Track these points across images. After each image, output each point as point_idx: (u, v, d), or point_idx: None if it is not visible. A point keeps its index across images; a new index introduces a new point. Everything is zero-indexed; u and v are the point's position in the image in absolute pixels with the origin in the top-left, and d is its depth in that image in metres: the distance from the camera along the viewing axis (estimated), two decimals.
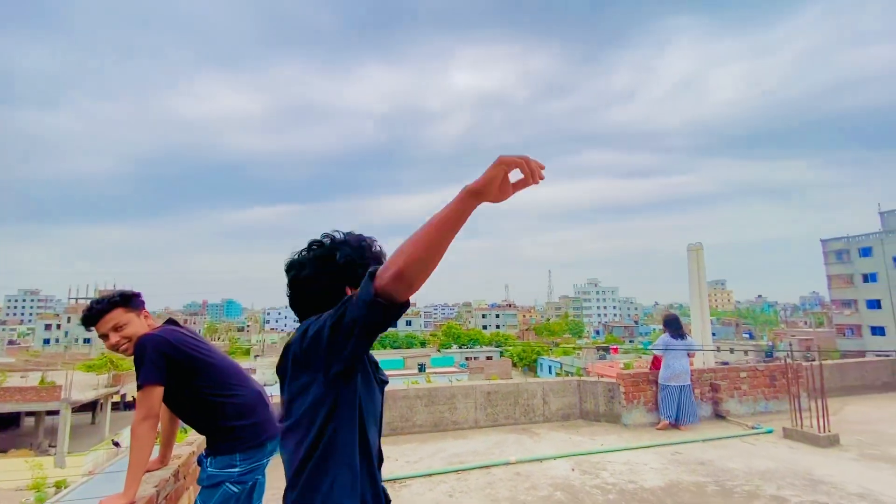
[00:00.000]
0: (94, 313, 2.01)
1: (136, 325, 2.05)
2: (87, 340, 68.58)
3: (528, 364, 58.09)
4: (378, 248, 1.42)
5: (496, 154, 1.03)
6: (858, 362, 8.59)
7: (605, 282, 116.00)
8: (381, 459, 1.33)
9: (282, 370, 1.26)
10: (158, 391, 1.90)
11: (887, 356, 8.88)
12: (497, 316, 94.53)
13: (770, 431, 5.58)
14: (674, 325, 6.11)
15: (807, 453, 4.80)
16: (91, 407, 31.40)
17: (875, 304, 46.03)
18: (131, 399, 39.08)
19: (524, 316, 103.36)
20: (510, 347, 64.53)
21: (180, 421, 2.24)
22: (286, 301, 1.42)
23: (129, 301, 2.08)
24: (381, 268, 1.02)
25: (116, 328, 2.01)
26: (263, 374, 45.25)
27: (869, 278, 46.72)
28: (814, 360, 6.96)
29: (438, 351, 61.05)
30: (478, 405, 5.98)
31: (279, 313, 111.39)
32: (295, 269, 1.38)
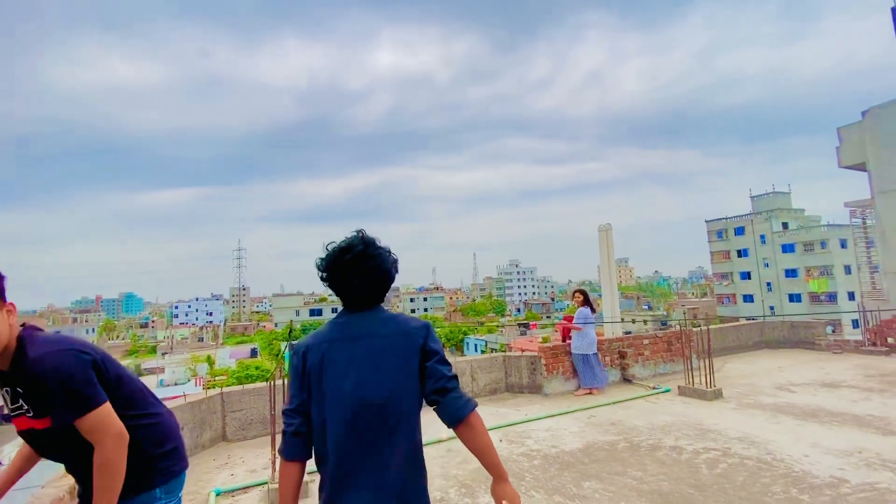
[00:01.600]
0: None
1: None
2: None
3: (456, 344, 59.67)
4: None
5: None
6: (735, 326, 9.95)
7: (525, 262, 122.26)
8: None
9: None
10: (108, 407, 1.51)
11: (755, 320, 10.34)
12: (425, 299, 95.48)
13: (668, 390, 6.29)
14: (588, 300, 6.61)
15: (697, 407, 5.49)
16: None
17: (746, 276, 53.42)
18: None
19: (451, 298, 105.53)
20: (438, 329, 65.55)
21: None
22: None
23: None
24: (472, 404, 1.45)
25: None
26: (174, 371, 41.63)
27: (742, 253, 54.01)
28: (700, 326, 7.92)
29: None
30: None
31: (189, 306, 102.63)
32: (375, 261, 1.50)
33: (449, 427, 1.42)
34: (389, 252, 1.56)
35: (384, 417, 1.39)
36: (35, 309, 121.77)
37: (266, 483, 3.66)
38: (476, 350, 53.23)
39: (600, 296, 8.27)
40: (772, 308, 49.20)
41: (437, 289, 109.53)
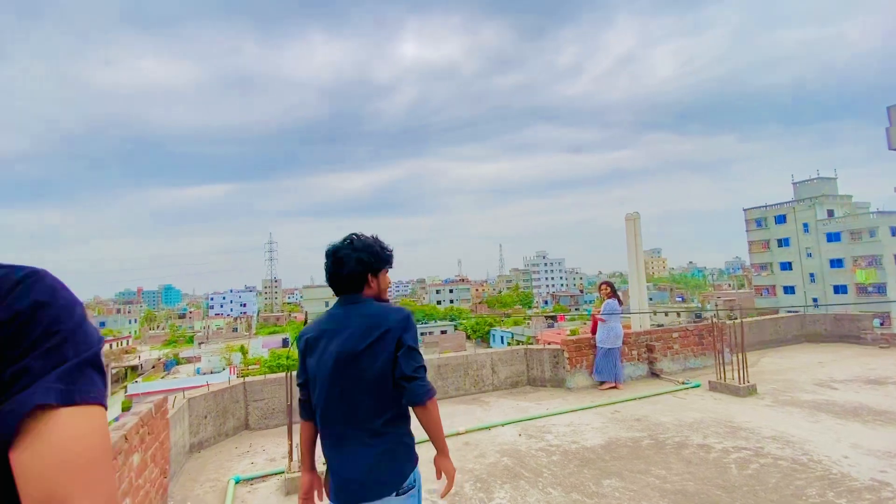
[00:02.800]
0: None
1: None
2: None
3: (482, 336, 59.61)
4: (390, 250, 1.87)
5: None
6: (773, 318, 9.46)
7: (553, 253, 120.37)
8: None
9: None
10: None
11: (796, 312, 9.82)
12: (451, 291, 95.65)
13: (698, 385, 6.03)
14: (615, 292, 6.40)
15: (729, 403, 5.23)
16: None
17: (787, 266, 50.97)
18: None
19: (477, 290, 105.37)
20: (464, 321, 65.78)
21: None
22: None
23: None
24: (431, 393, 1.67)
25: None
26: (209, 360, 43.38)
27: (783, 243, 51.50)
28: (736, 319, 7.57)
29: None
30: (429, 378, 6.00)
31: (224, 298, 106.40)
32: (341, 263, 1.77)
33: (408, 406, 1.68)
34: (355, 251, 1.77)
35: (361, 370, 1.61)
36: (82, 301, 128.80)
37: (283, 472, 3.70)
38: (502, 342, 53.01)
39: (627, 287, 8.00)
40: (815, 300, 46.81)
41: (463, 280, 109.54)
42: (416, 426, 1.69)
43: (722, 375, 5.81)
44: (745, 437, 4.12)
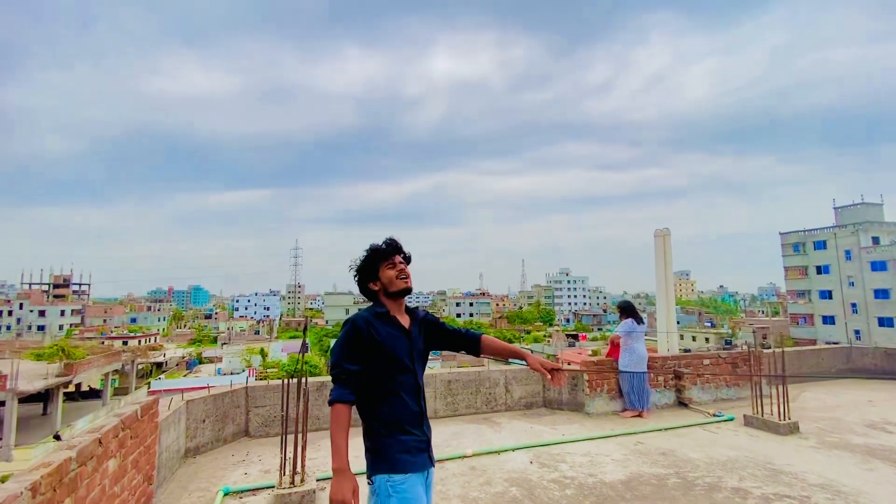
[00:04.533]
0: None
1: None
2: (40, 328, 65.13)
3: None
4: (382, 246, 2.07)
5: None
6: (815, 350, 8.77)
7: (576, 271, 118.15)
8: None
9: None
10: None
11: (836, 344, 9.08)
12: (471, 304, 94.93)
13: (731, 419, 5.52)
14: (632, 311, 5.96)
15: (767, 441, 4.73)
16: (42, 397, 29.72)
17: (826, 295, 48.37)
18: (88, 388, 37.34)
19: (497, 304, 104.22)
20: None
21: None
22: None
23: None
24: (330, 399, 1.81)
25: None
26: (230, 361, 44.00)
27: (822, 270, 48.97)
28: (769, 348, 7.00)
29: None
30: (437, 394, 5.70)
31: (248, 300, 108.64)
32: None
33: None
34: (352, 270, 2.12)
35: None
36: (116, 297, 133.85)
37: (273, 486, 3.46)
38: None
39: (654, 309, 7.52)
40: (857, 332, 44.15)
41: (484, 294, 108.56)
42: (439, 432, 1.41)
43: (759, 409, 5.29)
44: (787, 483, 3.65)
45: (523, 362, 2.07)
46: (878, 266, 44.18)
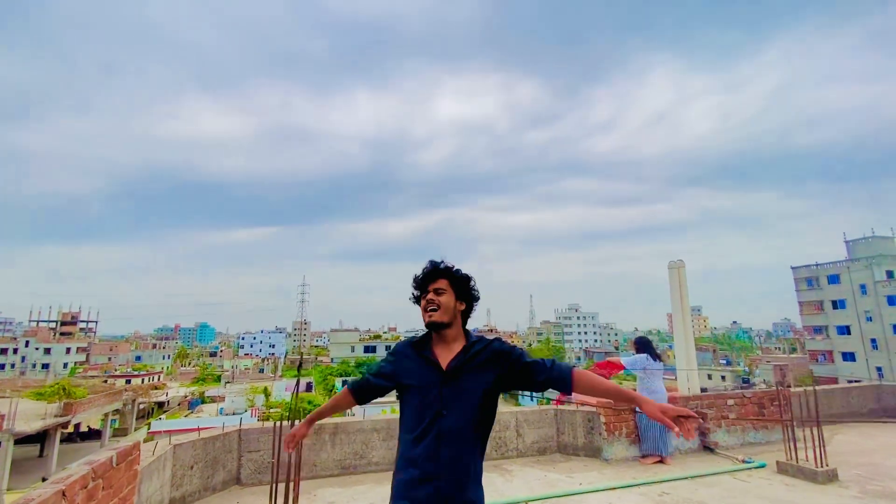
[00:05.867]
0: None
1: None
2: (45, 366, 64.62)
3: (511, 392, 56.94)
4: (419, 275, 1.94)
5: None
6: (844, 388, 8.28)
7: (586, 307, 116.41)
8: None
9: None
10: None
11: (857, 382, 8.59)
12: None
13: (763, 466, 5.08)
14: (649, 348, 5.64)
15: (805, 491, 4.31)
16: (39, 438, 29.00)
17: (844, 330, 46.95)
18: (87, 429, 36.46)
19: (506, 341, 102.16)
20: None
21: None
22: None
23: None
24: (577, 374, 1.76)
25: None
26: (233, 401, 43.00)
27: (838, 305, 47.78)
28: (789, 387, 6.60)
29: None
30: None
31: (254, 338, 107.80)
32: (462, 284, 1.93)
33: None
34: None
35: None
36: (123, 335, 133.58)
37: None
38: (532, 400, 50.34)
39: (671, 346, 7.17)
40: (879, 370, 42.46)
41: (492, 331, 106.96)
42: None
43: (793, 455, 4.86)
44: None
45: (635, 407, 1.76)
46: (895, 301, 43.01)
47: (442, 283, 1.86)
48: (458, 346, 1.82)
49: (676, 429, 1.55)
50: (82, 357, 71.18)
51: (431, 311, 1.81)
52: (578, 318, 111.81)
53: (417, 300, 1.89)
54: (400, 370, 1.85)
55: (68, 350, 69.64)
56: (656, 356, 5.59)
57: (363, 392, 1.95)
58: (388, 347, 78.90)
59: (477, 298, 1.94)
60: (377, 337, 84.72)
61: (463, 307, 1.89)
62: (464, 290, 1.89)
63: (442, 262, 1.92)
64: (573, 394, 1.83)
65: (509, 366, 1.79)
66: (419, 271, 1.91)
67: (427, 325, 1.83)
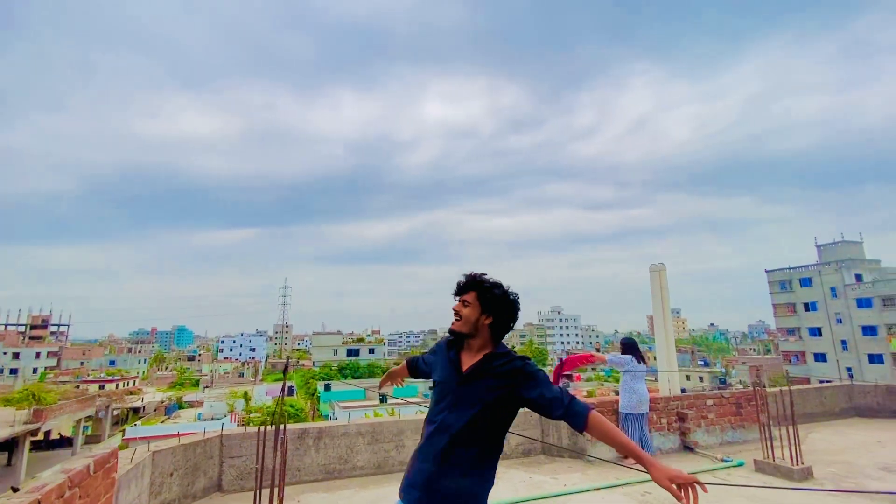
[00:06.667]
0: None
1: None
2: (13, 371, 62.25)
3: None
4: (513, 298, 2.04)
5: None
6: (818, 388, 8.53)
7: (568, 310, 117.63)
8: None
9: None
10: None
11: (829, 382, 8.89)
12: None
13: (741, 464, 5.21)
14: (634, 350, 5.72)
15: (783, 490, 4.42)
16: (7, 447, 27.90)
17: (816, 332, 48.50)
18: (58, 436, 35.21)
19: None
20: None
21: None
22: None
23: None
24: (593, 418, 1.79)
25: None
26: (212, 406, 42.07)
27: (810, 307, 49.35)
28: (764, 386, 6.79)
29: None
30: None
31: (234, 342, 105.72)
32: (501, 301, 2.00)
33: None
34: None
35: None
36: (97, 338, 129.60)
37: None
38: None
39: (651, 348, 7.33)
40: (849, 370, 43.97)
41: None
42: None
43: (770, 453, 5.00)
44: None
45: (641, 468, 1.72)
46: (863, 303, 44.67)
47: (469, 296, 1.97)
48: (481, 355, 1.94)
49: (682, 497, 1.59)
50: (53, 362, 68.79)
51: (455, 320, 1.97)
52: (561, 320, 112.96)
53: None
54: (435, 364, 2.09)
55: (38, 354, 67.21)
56: (641, 359, 5.68)
57: (413, 369, 2.35)
58: (371, 351, 78.34)
59: (507, 313, 1.98)
60: (360, 340, 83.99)
61: (489, 320, 1.95)
62: (491, 304, 1.95)
63: (477, 275, 2.02)
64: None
65: (521, 385, 1.85)
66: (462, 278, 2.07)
67: (448, 332, 2.02)
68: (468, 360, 1.93)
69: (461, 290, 2.00)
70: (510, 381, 1.85)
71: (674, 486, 1.60)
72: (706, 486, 1.60)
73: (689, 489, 1.59)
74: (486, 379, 1.86)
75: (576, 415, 1.79)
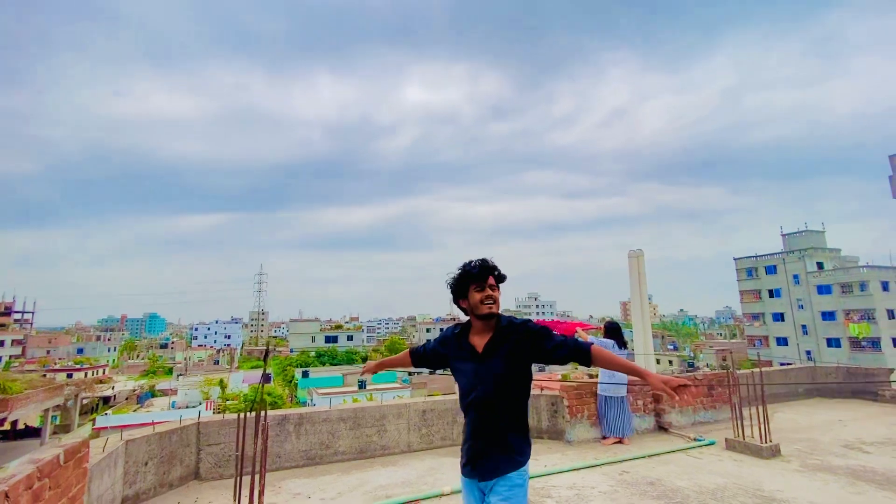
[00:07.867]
0: None
1: None
2: None
3: None
4: (474, 268, 2.19)
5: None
6: (783, 370, 8.91)
7: (544, 296, 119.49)
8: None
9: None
10: None
11: (789, 364, 9.30)
12: (441, 330, 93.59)
13: (712, 443, 5.40)
14: (617, 334, 5.82)
15: (752, 466, 4.61)
16: None
17: (779, 317, 50.64)
18: (24, 427, 33.96)
19: None
20: None
21: None
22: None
23: None
24: (595, 351, 2.06)
25: None
26: (186, 394, 41.21)
27: (774, 293, 51.40)
28: (729, 369, 7.03)
29: None
30: (411, 426, 5.33)
31: (208, 328, 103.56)
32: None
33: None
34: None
35: None
36: (63, 326, 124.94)
37: None
38: None
39: (629, 331, 7.47)
40: (808, 353, 46.20)
41: (454, 320, 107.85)
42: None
43: (740, 432, 5.20)
44: None
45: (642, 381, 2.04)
46: (823, 290, 46.77)
47: (493, 280, 2.18)
48: (488, 332, 2.16)
49: (677, 397, 2.04)
50: (17, 350, 66.02)
51: (489, 304, 2.13)
52: (538, 306, 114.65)
53: (461, 289, 2.19)
54: (450, 353, 2.27)
55: (2, 343, 64.40)
56: (623, 343, 5.78)
57: (418, 358, 2.47)
58: (349, 338, 77.92)
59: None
60: (339, 327, 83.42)
61: None
62: (499, 284, 2.24)
63: (490, 260, 2.23)
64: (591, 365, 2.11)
65: (533, 342, 2.09)
66: (471, 263, 2.20)
67: (482, 317, 2.14)
68: (481, 340, 2.15)
69: (489, 274, 2.16)
70: (523, 343, 2.09)
71: (668, 388, 1.92)
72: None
73: (682, 389, 2.02)
74: (500, 348, 2.09)
75: (581, 352, 2.06)
